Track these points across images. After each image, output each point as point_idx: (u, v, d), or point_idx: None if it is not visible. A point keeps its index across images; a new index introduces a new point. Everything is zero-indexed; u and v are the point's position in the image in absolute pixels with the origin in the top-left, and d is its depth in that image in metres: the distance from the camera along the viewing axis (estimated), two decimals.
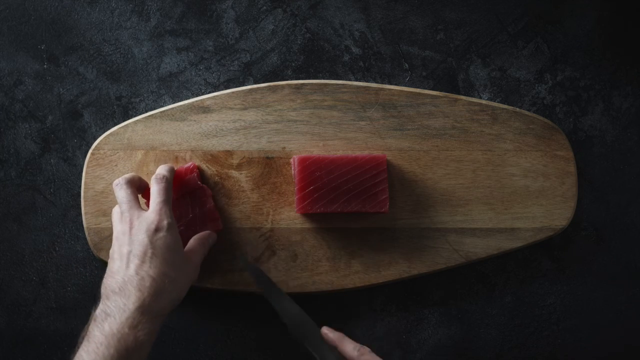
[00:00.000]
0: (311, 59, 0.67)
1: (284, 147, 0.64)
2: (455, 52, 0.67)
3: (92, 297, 0.65)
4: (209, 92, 0.66)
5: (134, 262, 0.51)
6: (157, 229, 0.52)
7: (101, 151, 0.64)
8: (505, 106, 0.65)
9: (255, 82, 0.67)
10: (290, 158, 0.64)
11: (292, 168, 0.63)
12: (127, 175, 0.57)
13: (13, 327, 0.65)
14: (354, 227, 0.63)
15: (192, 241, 0.59)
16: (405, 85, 0.66)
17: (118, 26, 0.67)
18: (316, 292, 0.63)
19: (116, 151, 0.64)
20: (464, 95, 0.66)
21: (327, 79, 0.66)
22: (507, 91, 0.67)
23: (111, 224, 0.57)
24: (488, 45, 0.67)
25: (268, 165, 0.64)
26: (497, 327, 0.66)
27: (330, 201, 0.60)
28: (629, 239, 0.66)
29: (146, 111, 0.66)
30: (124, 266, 0.51)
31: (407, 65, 0.67)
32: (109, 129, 0.65)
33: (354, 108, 0.64)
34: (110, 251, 0.54)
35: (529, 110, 0.67)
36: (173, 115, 0.64)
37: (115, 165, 0.63)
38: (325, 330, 0.57)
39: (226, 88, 0.66)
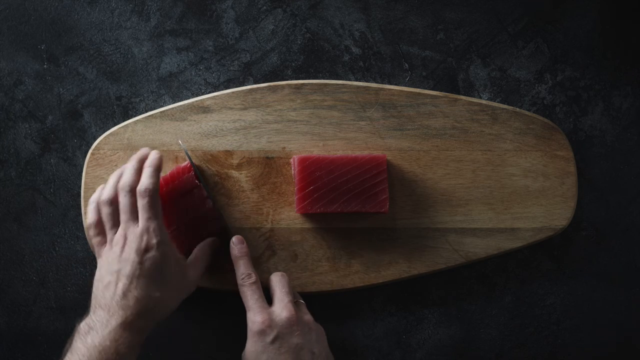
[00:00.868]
0: (311, 59, 0.67)
1: (284, 147, 0.64)
2: (455, 52, 0.67)
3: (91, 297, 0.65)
4: (209, 92, 0.66)
5: (122, 281, 0.53)
6: (146, 249, 0.53)
7: (101, 151, 0.64)
8: (505, 106, 0.65)
9: (255, 82, 0.67)
10: (290, 158, 0.64)
11: (292, 168, 0.63)
12: (131, 181, 0.56)
13: (13, 327, 0.65)
14: (354, 227, 0.63)
15: (195, 250, 0.60)
16: (405, 85, 0.66)
17: (118, 26, 0.67)
18: (316, 292, 0.63)
19: (116, 151, 0.64)
20: (464, 95, 0.66)
21: (327, 79, 0.66)
22: (507, 91, 0.67)
23: None
24: (488, 45, 0.67)
25: (268, 165, 0.64)
26: (497, 327, 0.66)
27: (330, 201, 0.60)
28: (629, 239, 0.66)
29: (146, 111, 0.66)
30: (112, 285, 0.53)
31: (407, 65, 0.67)
32: (109, 129, 0.65)
33: (354, 108, 0.64)
34: (105, 249, 0.55)
35: (529, 110, 0.67)
36: (173, 115, 0.64)
37: (115, 166, 0.63)
38: (235, 241, 0.60)
39: (226, 88, 0.66)
